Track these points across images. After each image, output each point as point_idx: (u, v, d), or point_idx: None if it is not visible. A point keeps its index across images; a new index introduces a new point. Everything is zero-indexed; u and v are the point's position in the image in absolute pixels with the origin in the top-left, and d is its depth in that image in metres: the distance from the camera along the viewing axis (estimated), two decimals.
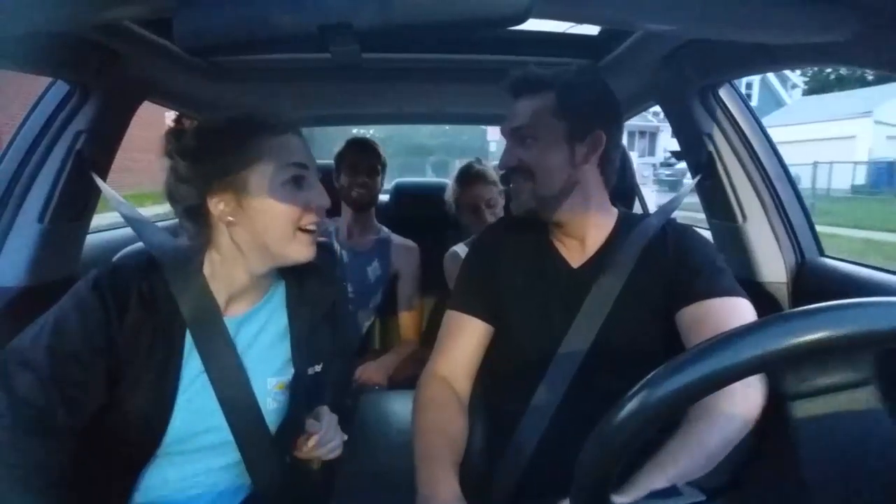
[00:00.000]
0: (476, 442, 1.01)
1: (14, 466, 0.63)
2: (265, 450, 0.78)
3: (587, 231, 0.91)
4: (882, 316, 0.36)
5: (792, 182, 1.21)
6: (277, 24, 0.58)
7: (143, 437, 0.72)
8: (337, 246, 1.16)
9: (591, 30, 1.26)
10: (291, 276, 0.85)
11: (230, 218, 0.74)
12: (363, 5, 0.56)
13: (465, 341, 0.93)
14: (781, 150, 1.21)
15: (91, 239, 1.22)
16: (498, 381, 0.95)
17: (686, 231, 0.93)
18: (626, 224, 0.94)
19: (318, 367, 0.86)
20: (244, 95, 1.71)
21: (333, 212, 1.80)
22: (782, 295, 1.18)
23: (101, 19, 0.80)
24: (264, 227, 0.74)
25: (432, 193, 2.25)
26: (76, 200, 1.09)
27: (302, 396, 0.82)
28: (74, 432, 0.69)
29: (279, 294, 0.86)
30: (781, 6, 0.67)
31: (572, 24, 1.14)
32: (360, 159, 1.71)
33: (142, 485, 0.76)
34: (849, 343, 0.36)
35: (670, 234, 0.92)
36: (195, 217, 0.75)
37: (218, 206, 0.73)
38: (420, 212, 2.14)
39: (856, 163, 13.80)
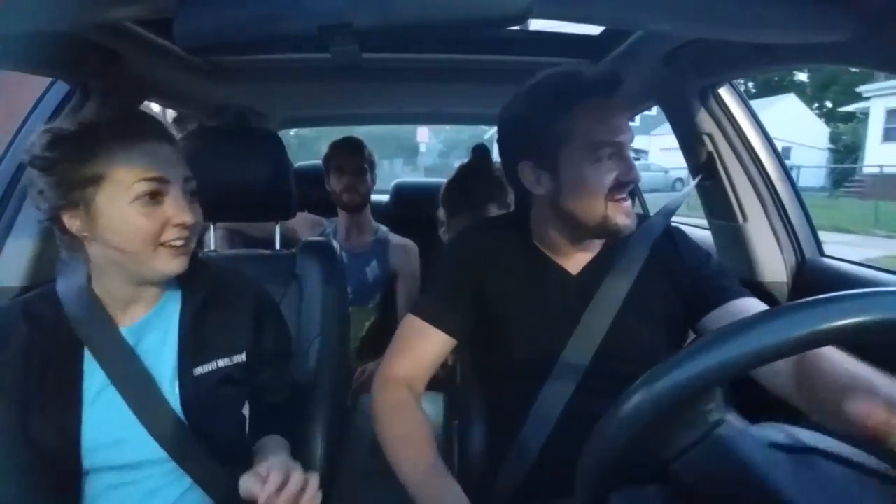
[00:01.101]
0: (476, 442, 1.01)
1: None
2: (200, 452, 0.74)
3: (581, 247, 0.88)
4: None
5: (792, 182, 1.21)
6: (277, 25, 0.58)
7: (58, 456, 0.70)
8: (336, 246, 1.16)
9: (592, 30, 1.26)
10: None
11: (85, 234, 0.70)
12: (363, 5, 0.56)
13: (424, 350, 0.89)
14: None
15: None
16: (498, 384, 0.93)
17: (686, 235, 0.92)
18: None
19: (216, 364, 0.78)
20: (244, 95, 1.72)
21: (331, 212, 1.81)
22: (783, 295, 1.18)
23: (101, 19, 0.80)
24: (118, 245, 0.70)
25: (432, 193, 2.25)
26: None
27: (195, 398, 0.75)
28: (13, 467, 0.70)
29: (177, 293, 0.82)
30: (781, 6, 0.67)
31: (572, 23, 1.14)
32: (345, 161, 1.70)
33: None
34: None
35: (676, 237, 0.90)
36: (58, 229, 0.72)
37: (72, 221, 0.70)
38: (419, 211, 2.14)
39: None
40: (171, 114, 1.95)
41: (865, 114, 17.02)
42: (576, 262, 0.89)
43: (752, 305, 0.81)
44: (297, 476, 0.63)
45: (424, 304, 0.92)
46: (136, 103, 1.25)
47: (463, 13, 0.58)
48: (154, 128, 0.72)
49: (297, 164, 2.27)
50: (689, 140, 1.24)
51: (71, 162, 0.68)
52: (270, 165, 1.06)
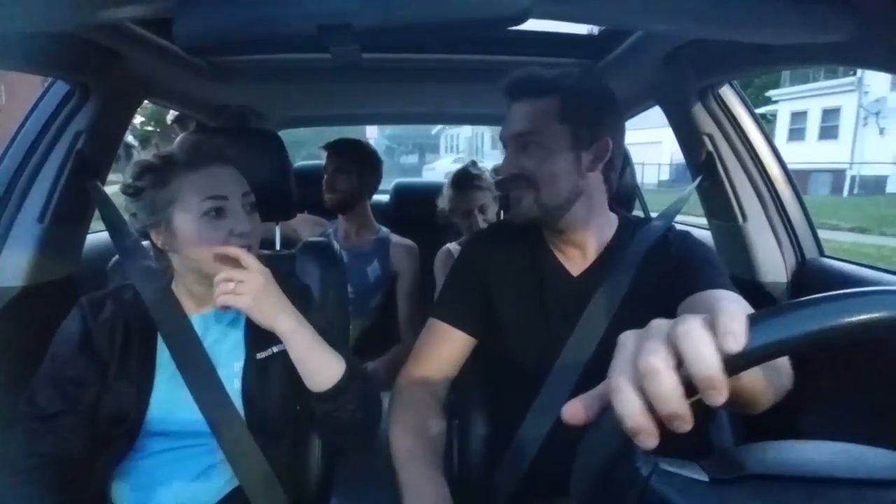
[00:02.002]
0: (476, 442, 1.01)
1: (30, 457, 0.78)
2: (238, 430, 0.83)
3: (588, 239, 0.89)
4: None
5: (792, 182, 1.21)
6: (277, 25, 0.58)
7: (128, 415, 0.81)
8: (336, 246, 1.17)
9: (592, 29, 1.26)
10: None
11: (167, 247, 0.85)
12: (363, 5, 0.56)
13: (446, 352, 0.92)
14: None
15: (91, 239, 1.22)
16: (496, 386, 0.94)
17: (687, 236, 0.92)
18: (627, 229, 0.92)
19: (272, 350, 0.88)
20: (244, 95, 1.71)
21: (333, 213, 1.81)
22: (782, 295, 1.18)
23: (101, 19, 0.80)
24: (194, 254, 0.83)
25: (432, 194, 2.25)
26: (76, 200, 1.09)
27: (254, 379, 0.87)
28: (78, 426, 0.81)
29: None
30: (781, 6, 0.67)
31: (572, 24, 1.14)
32: (330, 163, 1.72)
33: (123, 480, 0.83)
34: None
35: (672, 239, 0.90)
36: (150, 244, 0.87)
37: (157, 237, 0.84)
38: (419, 212, 2.14)
39: (660, 164, 18.33)
40: (171, 114, 1.95)
41: (774, 116, 18.85)
42: (578, 262, 0.90)
43: (721, 296, 0.78)
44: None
45: (443, 307, 0.94)
46: (135, 103, 1.25)
47: (463, 13, 0.58)
48: (216, 154, 0.85)
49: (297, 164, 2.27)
50: (689, 140, 1.24)
51: (154, 188, 0.82)
52: (270, 165, 1.06)
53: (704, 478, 0.41)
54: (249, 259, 0.80)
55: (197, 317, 0.88)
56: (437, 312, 0.94)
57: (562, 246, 0.91)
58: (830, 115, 16.46)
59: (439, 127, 23.99)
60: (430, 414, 0.86)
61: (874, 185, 14.66)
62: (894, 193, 11.60)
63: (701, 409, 0.37)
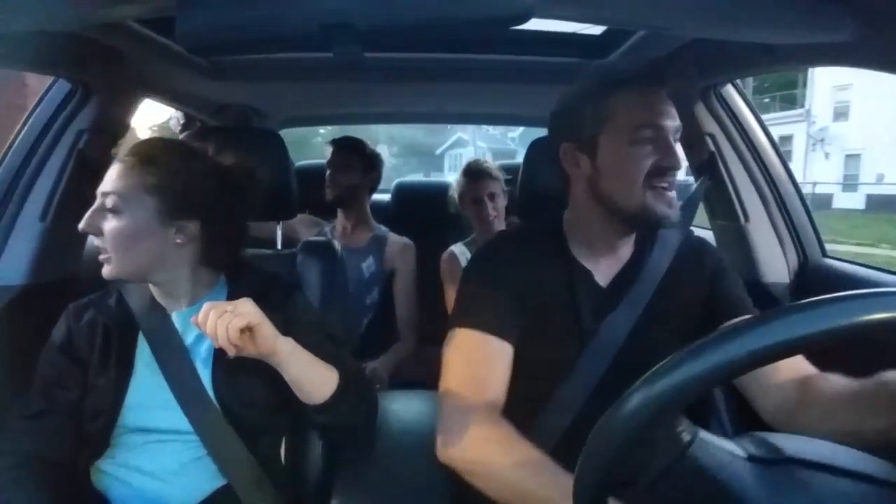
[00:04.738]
0: None
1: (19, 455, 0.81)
2: (220, 427, 0.84)
3: (617, 247, 0.86)
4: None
5: (794, 182, 1.21)
6: (279, 24, 0.59)
7: (105, 410, 0.83)
8: (337, 245, 1.17)
9: (593, 29, 1.26)
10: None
11: None
12: (365, 5, 0.56)
13: (502, 371, 0.80)
14: None
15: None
16: (511, 389, 0.91)
17: (708, 244, 0.92)
18: (644, 233, 0.89)
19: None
20: (245, 94, 1.72)
21: (332, 213, 1.82)
22: (784, 295, 1.18)
23: (103, 18, 0.80)
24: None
25: (432, 193, 2.25)
26: (78, 199, 1.09)
27: (223, 378, 0.86)
28: (62, 426, 0.83)
29: (224, 288, 0.92)
30: (781, 6, 0.67)
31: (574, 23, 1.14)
32: (334, 158, 1.75)
33: (107, 472, 0.84)
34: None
35: (705, 251, 0.90)
36: None
37: None
38: (420, 211, 2.14)
39: None
40: (174, 114, 1.96)
41: None
42: (606, 270, 0.87)
43: None
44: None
45: (481, 313, 0.81)
46: (137, 102, 1.25)
47: (465, 13, 0.58)
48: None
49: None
50: (691, 140, 1.24)
51: None
52: (272, 165, 1.06)
53: (743, 454, 0.41)
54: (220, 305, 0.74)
55: (177, 314, 0.88)
56: (479, 323, 0.81)
57: (590, 255, 0.86)
58: (784, 141, 18.68)
59: (444, 146, 26.67)
60: (524, 440, 0.72)
61: (822, 203, 16.59)
62: (840, 209, 12.82)
63: (700, 404, 0.37)
